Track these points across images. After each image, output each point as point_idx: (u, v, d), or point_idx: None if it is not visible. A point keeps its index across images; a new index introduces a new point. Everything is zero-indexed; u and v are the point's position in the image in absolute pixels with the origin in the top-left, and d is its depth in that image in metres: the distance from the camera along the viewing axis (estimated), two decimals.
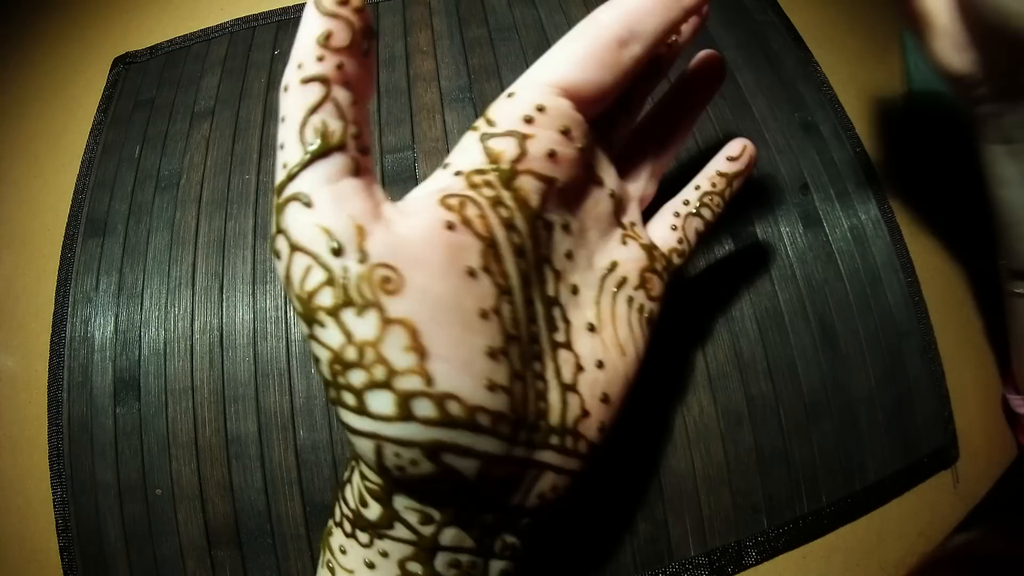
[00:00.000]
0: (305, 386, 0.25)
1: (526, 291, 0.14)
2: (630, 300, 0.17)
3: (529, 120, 0.15)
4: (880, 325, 0.26)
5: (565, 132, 0.15)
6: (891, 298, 0.27)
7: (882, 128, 0.31)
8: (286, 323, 0.25)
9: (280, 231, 0.12)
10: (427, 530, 0.14)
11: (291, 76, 0.12)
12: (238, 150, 0.29)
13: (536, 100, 0.15)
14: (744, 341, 0.25)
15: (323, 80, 0.12)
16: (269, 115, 0.30)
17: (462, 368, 0.12)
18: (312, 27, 0.12)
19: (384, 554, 0.14)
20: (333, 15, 0.12)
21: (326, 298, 0.11)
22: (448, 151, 0.17)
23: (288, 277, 0.12)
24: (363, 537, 0.14)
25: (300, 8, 0.33)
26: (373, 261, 0.12)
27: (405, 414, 0.11)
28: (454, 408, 0.12)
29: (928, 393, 0.26)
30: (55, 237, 0.28)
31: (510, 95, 0.15)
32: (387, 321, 0.11)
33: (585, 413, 0.15)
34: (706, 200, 0.20)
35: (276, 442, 0.24)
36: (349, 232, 0.12)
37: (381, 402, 0.11)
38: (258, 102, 0.30)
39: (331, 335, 0.12)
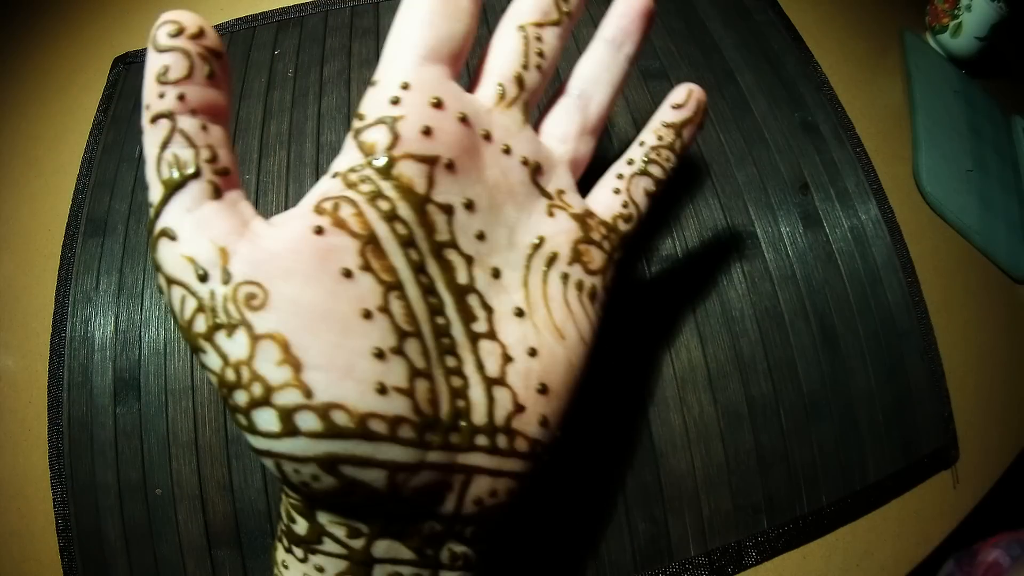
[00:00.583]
0: None
1: (424, 283, 0.13)
2: (565, 277, 0.15)
3: (396, 101, 0.14)
4: (880, 325, 0.26)
5: (437, 104, 0.14)
6: (891, 298, 0.27)
7: (882, 128, 0.31)
8: None
9: (156, 268, 0.12)
10: (357, 543, 0.13)
11: (143, 119, 0.12)
12: (237, 150, 0.29)
13: (398, 79, 0.14)
14: (744, 341, 0.25)
15: (167, 115, 0.12)
16: (269, 115, 0.30)
17: (343, 374, 0.11)
18: (151, 66, 0.12)
19: (320, 569, 0.14)
20: (168, 49, 0.12)
21: (201, 324, 0.12)
22: None
23: (172, 310, 0.12)
24: (298, 552, 0.14)
25: (300, 8, 0.33)
26: (237, 280, 0.12)
27: (290, 429, 0.11)
28: (340, 418, 0.11)
29: (928, 393, 0.26)
30: (55, 237, 0.28)
31: (373, 83, 0.14)
32: (256, 337, 0.11)
33: (519, 408, 0.14)
34: (653, 156, 0.17)
35: None
36: (212, 256, 0.12)
37: (266, 420, 0.11)
38: (258, 102, 0.30)
39: (212, 360, 0.12)
